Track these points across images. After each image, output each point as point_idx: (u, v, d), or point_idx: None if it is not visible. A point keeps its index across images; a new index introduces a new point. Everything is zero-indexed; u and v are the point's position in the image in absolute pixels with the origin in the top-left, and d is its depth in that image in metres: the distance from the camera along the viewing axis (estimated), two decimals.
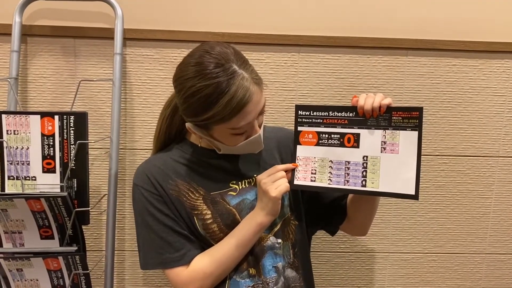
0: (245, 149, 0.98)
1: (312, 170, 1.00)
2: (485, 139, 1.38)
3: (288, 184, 0.95)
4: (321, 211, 1.11)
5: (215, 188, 1.01)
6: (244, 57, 0.91)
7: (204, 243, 1.01)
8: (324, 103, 1.33)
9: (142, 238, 1.01)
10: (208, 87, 0.85)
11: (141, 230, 1.00)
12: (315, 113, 0.98)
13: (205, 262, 0.98)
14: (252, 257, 1.00)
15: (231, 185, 1.02)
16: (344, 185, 0.99)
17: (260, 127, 0.96)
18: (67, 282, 1.15)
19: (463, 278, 1.46)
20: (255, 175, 1.03)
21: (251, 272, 1.00)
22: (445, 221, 1.42)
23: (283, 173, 0.96)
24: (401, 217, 1.41)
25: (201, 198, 0.99)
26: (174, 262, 0.98)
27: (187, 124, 0.96)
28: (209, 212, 0.99)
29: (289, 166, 0.99)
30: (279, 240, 1.02)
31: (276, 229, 1.03)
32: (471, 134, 1.37)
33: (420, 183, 1.36)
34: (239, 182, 1.03)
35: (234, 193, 1.02)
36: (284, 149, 1.08)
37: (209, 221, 0.99)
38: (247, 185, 1.03)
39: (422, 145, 1.33)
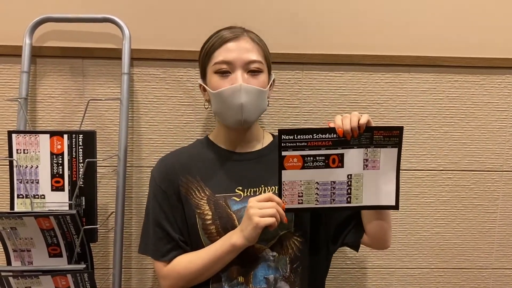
0: (226, 102, 1.01)
1: (298, 193, 0.99)
2: (489, 154, 1.39)
3: (275, 220, 0.95)
4: (339, 227, 1.12)
5: (221, 190, 1.05)
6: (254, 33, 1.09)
7: (198, 243, 1.05)
8: (328, 120, 1.34)
9: (144, 223, 1.11)
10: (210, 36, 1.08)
11: (145, 216, 1.11)
12: (299, 137, 0.96)
13: (181, 264, 1.05)
14: (243, 266, 1.03)
15: (236, 190, 1.06)
16: (331, 203, 1.00)
17: (249, 83, 1.01)
18: None
19: None
20: (262, 185, 1.06)
21: (239, 280, 1.03)
22: (450, 236, 1.42)
23: (274, 204, 0.96)
24: (407, 233, 1.42)
25: (205, 198, 1.05)
26: (158, 256, 1.07)
27: (199, 81, 1.11)
28: (210, 213, 1.04)
29: (280, 202, 0.98)
30: (274, 253, 1.04)
31: (273, 242, 1.05)
32: (474, 149, 1.38)
33: (425, 198, 1.40)
34: (245, 189, 1.06)
35: (238, 199, 1.05)
36: None
37: (208, 222, 1.03)
38: (251, 194, 1.05)
39: (426, 160, 1.37)
